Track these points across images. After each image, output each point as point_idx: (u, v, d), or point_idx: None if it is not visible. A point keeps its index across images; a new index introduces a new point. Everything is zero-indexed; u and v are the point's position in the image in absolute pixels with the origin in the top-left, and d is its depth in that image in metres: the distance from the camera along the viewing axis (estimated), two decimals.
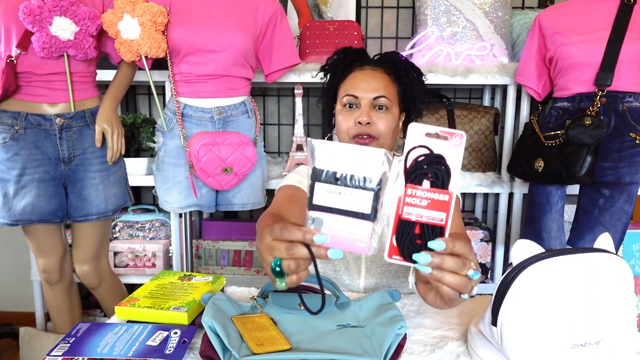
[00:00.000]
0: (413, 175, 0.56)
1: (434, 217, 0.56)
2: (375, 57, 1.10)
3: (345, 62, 1.09)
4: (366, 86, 1.03)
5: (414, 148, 0.56)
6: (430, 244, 0.56)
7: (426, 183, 0.56)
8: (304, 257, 0.56)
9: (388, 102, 1.03)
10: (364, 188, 0.54)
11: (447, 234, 0.57)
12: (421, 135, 0.56)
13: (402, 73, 1.08)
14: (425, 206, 0.56)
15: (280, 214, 0.91)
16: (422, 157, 0.56)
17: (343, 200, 0.55)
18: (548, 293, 0.62)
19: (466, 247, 0.57)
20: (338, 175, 0.54)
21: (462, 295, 0.61)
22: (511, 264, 0.65)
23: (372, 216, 0.54)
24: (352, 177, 0.54)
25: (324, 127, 2.35)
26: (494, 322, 0.66)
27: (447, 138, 0.56)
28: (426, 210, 0.56)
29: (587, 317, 0.63)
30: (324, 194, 0.55)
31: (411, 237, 0.57)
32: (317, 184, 0.55)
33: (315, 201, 0.55)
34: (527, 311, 0.63)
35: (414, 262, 0.57)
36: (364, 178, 0.54)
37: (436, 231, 0.57)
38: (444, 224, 0.56)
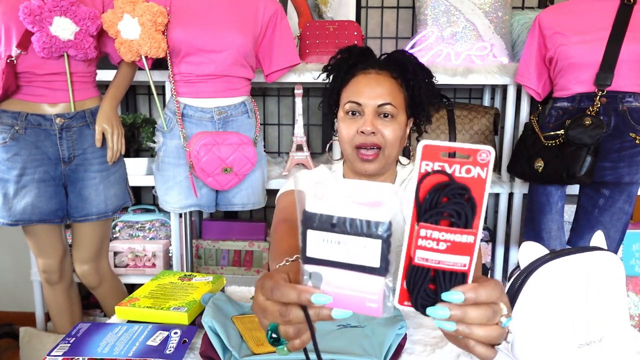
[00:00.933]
0: (428, 213, 0.43)
1: (455, 262, 0.44)
2: (382, 58, 1.03)
3: (349, 62, 1.02)
4: (370, 92, 0.96)
5: (428, 174, 0.43)
6: (445, 296, 0.44)
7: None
8: (301, 321, 0.46)
9: (394, 109, 0.96)
10: (370, 235, 0.43)
11: (470, 281, 0.45)
12: (436, 156, 0.43)
13: (410, 76, 0.99)
14: (444, 250, 0.43)
15: (292, 222, 0.86)
16: (439, 188, 0.43)
17: (344, 252, 0.44)
18: (556, 295, 0.62)
19: (495, 291, 0.46)
20: (334, 221, 0.43)
21: (496, 347, 0.48)
22: (518, 267, 0.65)
23: (382, 270, 0.44)
24: (352, 222, 0.43)
25: (324, 127, 2.35)
26: None
27: (469, 157, 0.42)
28: (445, 255, 0.43)
29: (590, 316, 0.64)
30: (319, 243, 0.44)
31: (426, 287, 0.45)
32: (309, 232, 0.44)
33: (309, 253, 0.45)
34: (538, 315, 0.62)
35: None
36: (369, 223, 0.43)
37: (457, 278, 0.44)
38: (467, 270, 0.44)
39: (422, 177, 0.43)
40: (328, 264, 0.45)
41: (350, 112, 0.98)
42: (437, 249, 0.43)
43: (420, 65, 1.02)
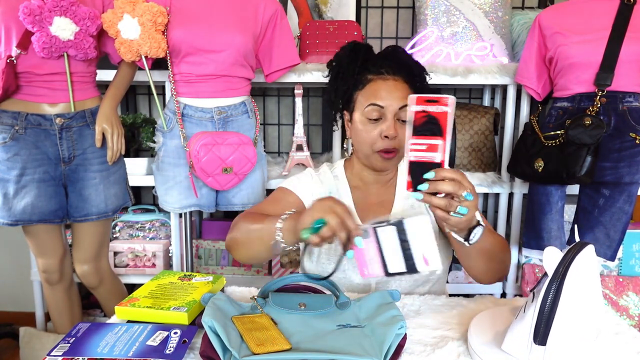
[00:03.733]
0: (416, 130, 0.73)
1: (432, 157, 0.73)
2: (381, 54, 1.08)
3: (357, 63, 1.06)
4: (391, 96, 1.01)
5: (419, 112, 0.73)
6: (425, 175, 0.74)
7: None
8: (341, 238, 0.76)
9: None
10: (407, 262, 0.77)
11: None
12: (422, 101, 0.73)
13: (417, 79, 1.08)
14: (425, 149, 0.73)
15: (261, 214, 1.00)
16: (422, 118, 0.73)
17: (390, 246, 0.77)
18: (582, 298, 0.62)
19: (456, 173, 0.74)
20: (407, 238, 0.76)
21: (470, 239, 0.83)
22: (545, 274, 0.64)
23: (386, 273, 0.79)
24: (411, 251, 0.77)
25: (324, 127, 2.35)
26: (543, 341, 0.63)
27: (439, 100, 0.72)
28: (426, 153, 0.73)
29: (598, 309, 0.64)
30: (389, 231, 0.77)
31: (418, 175, 0.74)
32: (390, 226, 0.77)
33: (377, 225, 0.78)
34: (575, 323, 0.62)
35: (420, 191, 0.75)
36: (414, 263, 0.77)
37: (435, 167, 0.74)
38: (441, 162, 0.73)
39: (416, 114, 0.73)
40: (377, 239, 0.79)
41: (372, 118, 1.03)
42: (421, 149, 0.74)
43: (418, 64, 1.10)
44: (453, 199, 0.75)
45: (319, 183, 1.12)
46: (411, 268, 0.77)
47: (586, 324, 0.63)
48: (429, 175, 0.73)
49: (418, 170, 0.74)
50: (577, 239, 0.73)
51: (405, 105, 1.00)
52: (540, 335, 0.63)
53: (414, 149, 0.74)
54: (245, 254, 0.97)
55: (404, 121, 1.02)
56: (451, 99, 0.72)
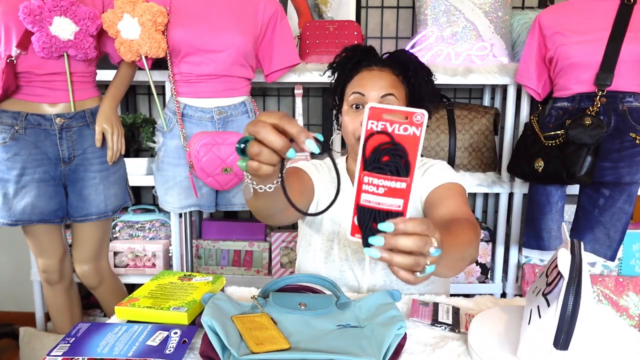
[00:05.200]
0: (371, 166, 0.54)
1: (391, 204, 0.54)
2: (384, 56, 1.09)
3: (354, 60, 1.07)
4: (373, 85, 1.01)
5: (373, 134, 0.53)
6: (380, 227, 0.54)
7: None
8: (272, 144, 0.55)
9: (396, 100, 1.01)
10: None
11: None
12: (379, 117, 0.53)
13: (411, 74, 1.06)
14: (383, 194, 0.54)
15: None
16: (382, 146, 0.53)
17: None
18: (591, 298, 0.62)
19: (422, 224, 0.54)
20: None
21: (416, 274, 0.57)
22: (560, 275, 0.63)
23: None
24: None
25: (324, 127, 2.35)
26: (565, 346, 0.62)
27: (407, 118, 0.52)
28: (383, 198, 0.54)
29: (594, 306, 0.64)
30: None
31: (370, 224, 0.55)
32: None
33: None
34: (591, 324, 0.62)
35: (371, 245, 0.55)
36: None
37: (393, 217, 0.55)
38: (402, 210, 0.55)
39: (369, 135, 0.53)
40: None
41: (354, 105, 1.03)
42: (377, 192, 0.54)
43: (421, 64, 1.08)
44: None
45: (325, 171, 1.13)
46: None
47: (595, 322, 0.63)
48: (386, 227, 0.54)
49: (368, 216, 0.55)
50: (567, 237, 0.72)
51: (388, 94, 1.00)
52: (563, 340, 0.62)
53: (366, 189, 0.54)
54: (253, 208, 0.84)
55: None
56: (425, 116, 0.52)
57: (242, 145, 0.56)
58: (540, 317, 0.64)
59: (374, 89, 1.01)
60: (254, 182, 0.68)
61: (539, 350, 0.64)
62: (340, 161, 1.17)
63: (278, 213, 0.83)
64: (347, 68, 1.08)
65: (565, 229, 0.77)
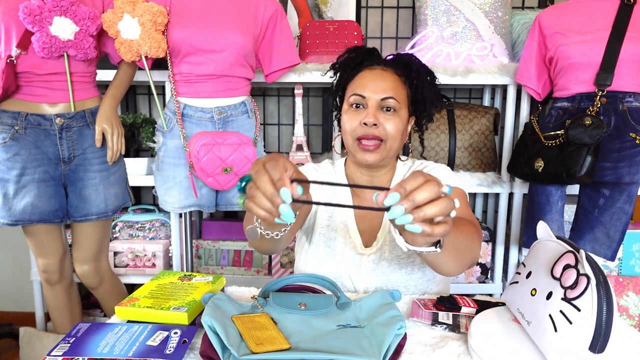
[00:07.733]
0: None
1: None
2: (388, 58, 1.07)
3: (356, 60, 1.06)
4: (374, 86, 0.99)
5: None
6: (387, 202, 0.55)
7: None
8: (264, 190, 0.57)
9: (396, 103, 0.99)
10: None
11: None
12: None
13: (414, 75, 1.04)
14: None
15: None
16: None
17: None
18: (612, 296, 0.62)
19: (416, 178, 0.56)
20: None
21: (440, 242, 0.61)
22: (586, 275, 0.62)
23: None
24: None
25: (324, 127, 2.35)
26: (602, 349, 0.61)
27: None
28: None
29: None
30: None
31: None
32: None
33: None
34: (619, 323, 0.62)
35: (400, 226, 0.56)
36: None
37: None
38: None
39: None
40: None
41: (354, 105, 1.02)
42: None
43: (424, 66, 1.07)
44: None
45: (325, 174, 1.13)
46: None
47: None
48: (392, 198, 0.55)
49: None
50: (541, 234, 0.73)
51: (389, 98, 0.98)
52: (600, 343, 0.61)
53: None
54: (254, 246, 0.91)
55: (388, 109, 0.99)
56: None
57: (243, 184, 0.59)
58: (571, 323, 0.63)
59: (375, 91, 0.99)
60: (262, 228, 0.71)
61: (572, 356, 0.62)
62: (339, 163, 1.17)
63: (279, 248, 0.87)
64: (349, 68, 1.06)
65: (546, 227, 0.76)
